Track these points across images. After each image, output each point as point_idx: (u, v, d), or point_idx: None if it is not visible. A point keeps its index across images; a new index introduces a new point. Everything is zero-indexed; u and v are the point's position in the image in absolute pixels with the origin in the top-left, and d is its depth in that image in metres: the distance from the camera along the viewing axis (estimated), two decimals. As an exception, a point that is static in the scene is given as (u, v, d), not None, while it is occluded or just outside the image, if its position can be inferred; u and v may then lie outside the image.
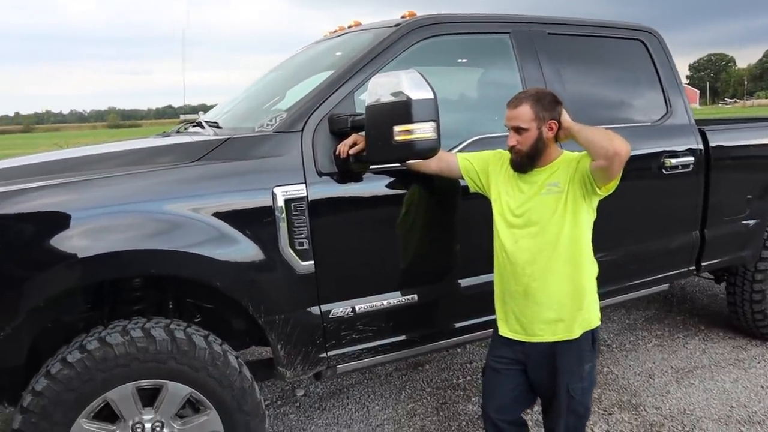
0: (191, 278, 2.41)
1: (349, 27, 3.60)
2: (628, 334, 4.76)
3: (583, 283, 2.48)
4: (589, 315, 2.51)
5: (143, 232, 2.28)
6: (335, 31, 3.73)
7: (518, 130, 2.46)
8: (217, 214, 2.39)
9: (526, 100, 2.47)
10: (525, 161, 2.49)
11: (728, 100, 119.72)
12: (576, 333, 2.47)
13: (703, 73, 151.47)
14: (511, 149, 2.50)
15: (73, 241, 2.19)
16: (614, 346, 4.52)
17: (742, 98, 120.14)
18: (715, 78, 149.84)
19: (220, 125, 3.10)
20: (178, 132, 3.43)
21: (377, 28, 3.15)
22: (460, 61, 3.57)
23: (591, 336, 2.52)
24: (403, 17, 3.15)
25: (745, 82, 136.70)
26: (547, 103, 2.47)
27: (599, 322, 2.56)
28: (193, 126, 3.33)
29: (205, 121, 3.14)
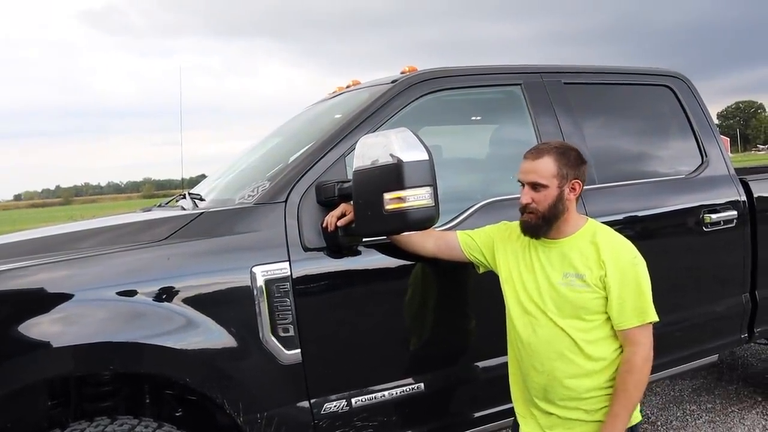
0: (154, 374, 2.13)
1: (347, 87, 3.39)
2: (675, 408, 4.30)
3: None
4: (628, 409, 2.17)
5: (94, 322, 2.01)
6: (334, 92, 3.52)
7: (535, 186, 2.11)
8: (185, 300, 2.12)
9: (549, 152, 2.13)
10: (540, 224, 2.12)
11: (761, 146, 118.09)
12: (612, 432, 2.13)
13: (732, 121, 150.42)
14: (524, 209, 2.15)
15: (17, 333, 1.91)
16: (659, 423, 4.07)
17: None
18: (745, 125, 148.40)
19: (203, 197, 2.85)
20: (159, 206, 3.22)
21: (374, 86, 2.94)
22: (466, 117, 3.33)
23: (631, 433, 2.17)
24: (402, 72, 2.94)
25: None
26: (573, 159, 2.14)
27: (640, 417, 2.21)
28: (181, 199, 3.10)
29: (189, 193, 2.91)
